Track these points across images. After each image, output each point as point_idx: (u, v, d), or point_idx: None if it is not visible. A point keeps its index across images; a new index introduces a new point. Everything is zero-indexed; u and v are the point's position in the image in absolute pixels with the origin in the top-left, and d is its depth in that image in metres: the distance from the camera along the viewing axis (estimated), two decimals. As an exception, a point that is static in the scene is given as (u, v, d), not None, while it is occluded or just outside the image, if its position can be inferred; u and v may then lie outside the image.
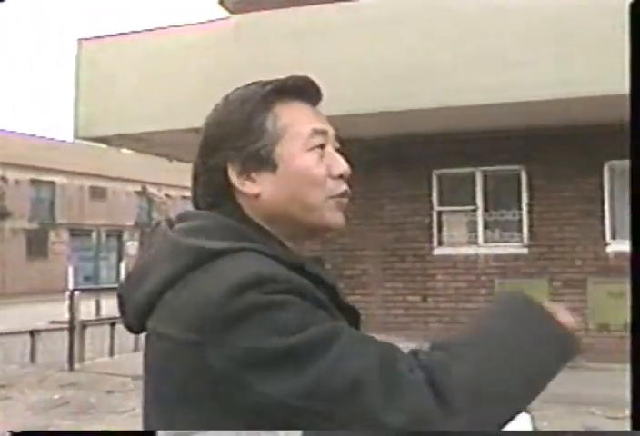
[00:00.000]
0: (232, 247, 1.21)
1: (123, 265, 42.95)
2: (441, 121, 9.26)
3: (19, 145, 36.50)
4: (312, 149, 1.33)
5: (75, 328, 11.49)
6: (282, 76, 1.39)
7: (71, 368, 10.88)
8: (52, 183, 40.62)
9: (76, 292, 21.95)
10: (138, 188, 43.23)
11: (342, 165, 1.36)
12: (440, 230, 10.38)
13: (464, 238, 10.32)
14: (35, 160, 37.67)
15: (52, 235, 40.50)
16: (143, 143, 10.85)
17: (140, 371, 1.31)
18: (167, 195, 44.57)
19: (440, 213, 10.39)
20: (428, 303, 10.18)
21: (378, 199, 10.49)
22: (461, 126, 9.47)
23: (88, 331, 12.44)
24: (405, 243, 10.39)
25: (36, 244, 39.50)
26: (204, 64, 9.39)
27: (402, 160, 10.32)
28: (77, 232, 41.20)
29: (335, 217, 1.36)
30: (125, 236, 43.20)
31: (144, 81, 9.65)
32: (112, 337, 12.81)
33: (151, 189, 43.41)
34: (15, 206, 38.16)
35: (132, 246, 43.88)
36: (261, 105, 1.34)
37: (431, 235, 10.33)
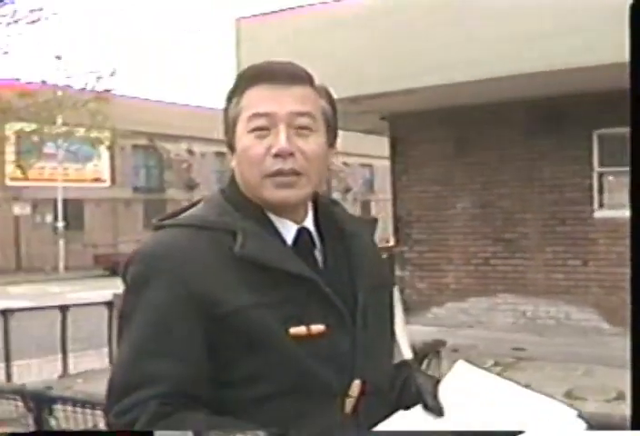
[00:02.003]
0: (158, 224, 1.51)
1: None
2: (600, 79, 8.92)
3: (204, 119, 38.18)
4: (251, 131, 1.45)
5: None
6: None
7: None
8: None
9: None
10: (317, 158, 44.31)
11: (278, 144, 1.43)
12: (601, 192, 10.02)
13: (626, 200, 9.89)
14: (218, 133, 39.34)
15: (237, 204, 42.35)
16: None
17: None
18: (345, 163, 45.24)
19: (601, 175, 10.02)
20: (589, 268, 9.91)
21: (537, 160, 10.27)
22: (621, 84, 9.05)
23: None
24: (566, 206, 10.13)
25: (223, 213, 41.45)
26: (353, 37, 9.56)
27: (561, 120, 10.03)
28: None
29: (273, 194, 1.45)
30: (306, 204, 44.45)
31: (296, 56, 9.89)
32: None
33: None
34: (201, 178, 40.19)
35: (312, 214, 45.22)
36: (234, 90, 1.51)
37: (591, 197, 10.00)
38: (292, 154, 1.43)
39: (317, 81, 1.54)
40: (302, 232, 1.50)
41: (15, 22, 8.33)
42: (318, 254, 1.51)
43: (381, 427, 1.37)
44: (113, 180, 36.30)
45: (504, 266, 10.61)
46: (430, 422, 1.40)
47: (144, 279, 1.39)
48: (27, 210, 32.34)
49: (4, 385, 4.55)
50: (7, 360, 9.01)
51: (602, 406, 6.01)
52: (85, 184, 34.87)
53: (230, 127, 1.50)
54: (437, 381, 1.47)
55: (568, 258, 10.11)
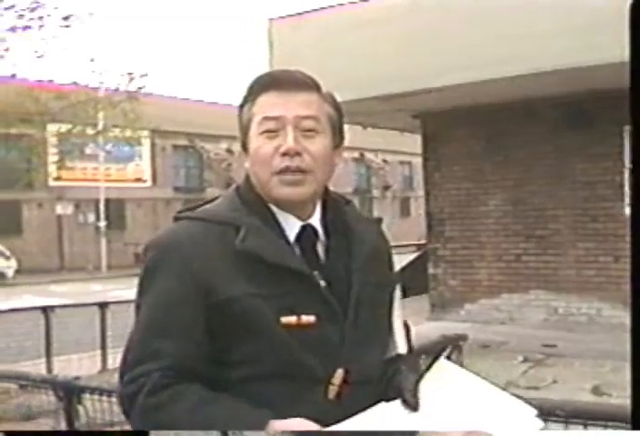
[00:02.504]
0: (176, 216, 1.68)
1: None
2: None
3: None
4: (262, 133, 1.60)
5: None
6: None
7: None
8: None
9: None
10: (356, 155, 44.16)
11: (285, 144, 1.58)
12: (632, 188, 9.97)
13: (658, 196, 9.84)
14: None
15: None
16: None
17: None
18: (384, 161, 45.23)
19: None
20: (620, 264, 9.88)
21: (568, 157, 10.26)
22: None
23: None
24: (597, 203, 10.11)
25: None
26: (381, 36, 9.65)
27: (592, 117, 10.01)
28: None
29: (280, 191, 1.59)
30: (345, 202, 44.30)
31: (327, 55, 10.04)
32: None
33: (368, 155, 44.19)
34: (240, 178, 40.46)
35: (351, 212, 45.08)
36: (247, 97, 1.66)
37: (623, 194, 9.96)
38: (298, 154, 1.57)
39: (323, 88, 1.68)
40: (305, 228, 1.63)
41: (43, 26, 8.52)
42: (321, 250, 1.64)
43: (360, 416, 1.46)
44: (154, 180, 36.72)
45: (535, 263, 10.63)
46: (404, 417, 1.49)
47: (155, 266, 1.57)
48: (70, 210, 32.92)
49: (35, 375, 4.74)
50: (48, 355, 9.25)
51: (624, 401, 6.04)
52: (126, 184, 35.34)
53: (244, 130, 1.64)
54: (419, 378, 1.55)
55: (599, 254, 10.10)
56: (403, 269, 15.89)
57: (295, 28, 10.74)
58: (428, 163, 11.81)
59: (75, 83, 17.57)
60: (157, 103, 28.01)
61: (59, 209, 32.54)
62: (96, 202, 32.75)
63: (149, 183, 36.56)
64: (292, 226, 1.62)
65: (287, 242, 1.61)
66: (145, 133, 29.50)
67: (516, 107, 10.44)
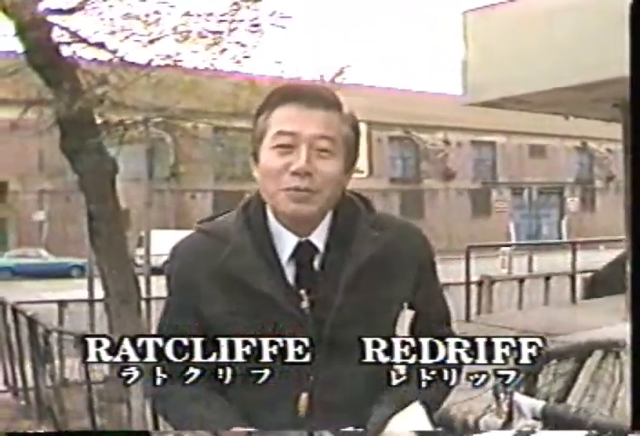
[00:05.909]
0: (196, 226, 1.69)
1: (564, 222, 42.88)
2: None
3: (457, 108, 38.00)
4: (274, 147, 1.54)
5: (470, 283, 12.27)
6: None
7: (467, 319, 11.52)
8: (492, 144, 41.73)
9: (505, 249, 22.75)
10: (578, 144, 42.38)
11: (297, 163, 1.51)
12: None
13: None
14: (474, 122, 38.99)
15: (494, 194, 41.81)
16: (525, 104, 11.11)
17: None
18: (608, 150, 43.06)
19: None
20: None
21: None
22: None
23: (497, 286, 13.06)
24: None
25: (479, 203, 41.16)
26: (580, 24, 9.32)
27: None
28: (518, 191, 42.00)
29: (287, 207, 1.54)
30: (566, 193, 42.87)
31: (522, 45, 9.84)
32: (520, 293, 13.42)
33: (591, 144, 42.28)
34: (458, 167, 40.19)
35: (572, 203, 43.39)
36: (265, 106, 1.59)
37: None
38: (309, 174, 1.51)
39: (346, 108, 1.60)
40: (302, 245, 1.59)
41: (256, 26, 8.92)
42: (317, 266, 1.59)
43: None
44: (370, 171, 37.30)
45: None
46: None
47: (167, 275, 1.68)
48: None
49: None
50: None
51: None
52: (343, 176, 36.22)
53: (256, 140, 1.58)
54: (391, 415, 1.53)
55: None
56: (607, 266, 15.26)
57: (489, 19, 10.62)
58: (628, 156, 11.21)
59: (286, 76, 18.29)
60: (371, 94, 28.50)
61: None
62: (315, 192, 33.88)
63: (365, 174, 37.21)
64: (287, 244, 1.58)
65: (278, 260, 1.58)
66: (361, 124, 30.06)
67: None
